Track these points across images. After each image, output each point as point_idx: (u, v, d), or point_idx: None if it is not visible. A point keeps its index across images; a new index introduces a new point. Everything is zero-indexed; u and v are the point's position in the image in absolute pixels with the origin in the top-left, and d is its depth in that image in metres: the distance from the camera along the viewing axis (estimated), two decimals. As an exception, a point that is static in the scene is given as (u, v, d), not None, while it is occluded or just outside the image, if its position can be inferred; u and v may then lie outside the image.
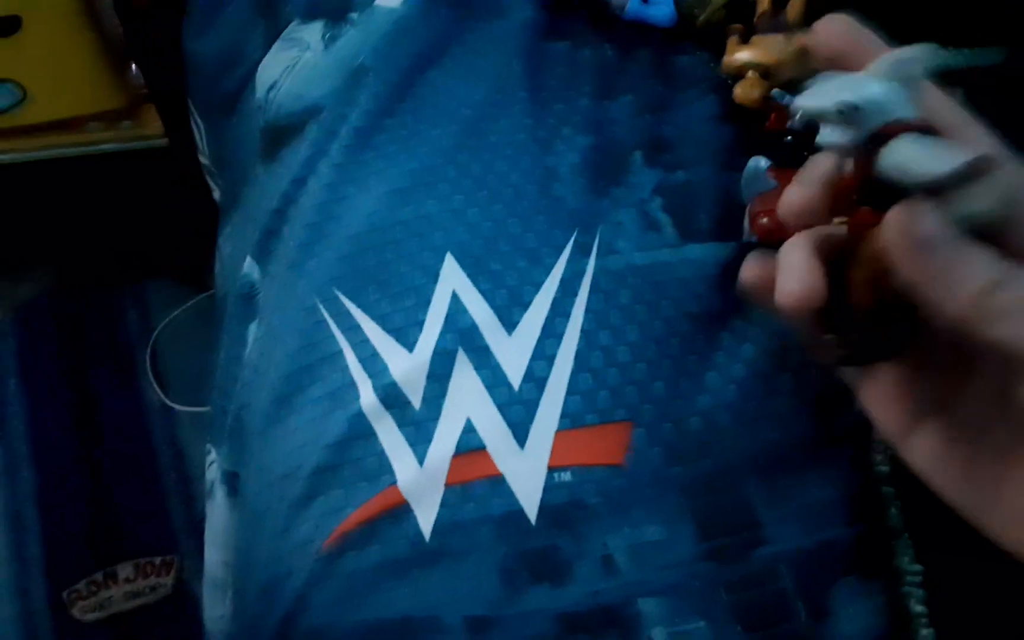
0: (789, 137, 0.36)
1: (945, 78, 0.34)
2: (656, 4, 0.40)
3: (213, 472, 0.48)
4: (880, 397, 0.25)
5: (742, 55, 0.37)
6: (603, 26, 0.41)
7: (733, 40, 0.38)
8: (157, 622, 0.96)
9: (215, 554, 0.47)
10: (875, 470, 0.31)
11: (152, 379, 1.08)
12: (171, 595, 0.97)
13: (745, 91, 0.37)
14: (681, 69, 0.40)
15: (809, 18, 0.37)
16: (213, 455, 0.48)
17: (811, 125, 0.22)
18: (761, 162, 0.35)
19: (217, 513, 0.46)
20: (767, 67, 0.36)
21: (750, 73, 0.37)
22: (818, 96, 0.22)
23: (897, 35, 0.36)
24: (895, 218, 0.21)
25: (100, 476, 1.03)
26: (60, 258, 1.12)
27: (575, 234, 0.36)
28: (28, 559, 0.96)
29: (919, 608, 0.28)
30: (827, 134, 0.22)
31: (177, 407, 1.07)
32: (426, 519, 0.34)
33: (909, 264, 0.21)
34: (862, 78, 0.22)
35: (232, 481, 0.44)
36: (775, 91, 0.36)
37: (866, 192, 0.22)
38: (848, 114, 0.22)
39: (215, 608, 0.48)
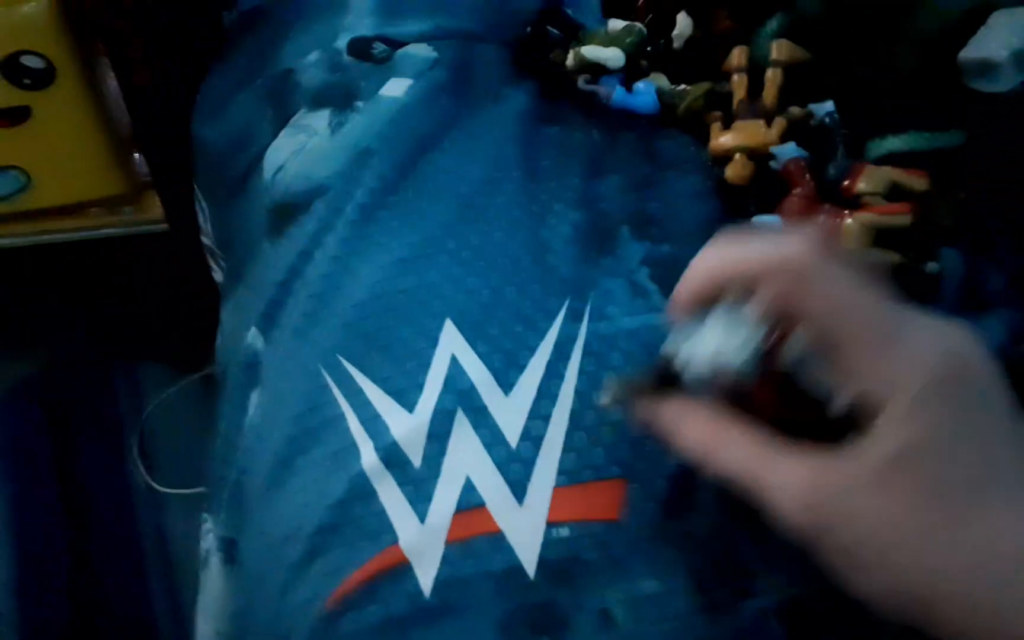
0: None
1: (914, 159, 0.37)
2: (640, 94, 0.43)
3: (209, 541, 0.48)
4: None
5: (727, 139, 0.40)
6: (592, 113, 0.44)
7: (716, 126, 0.41)
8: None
9: (207, 624, 0.47)
10: None
11: (139, 461, 1.08)
12: (151, 685, 0.94)
13: (736, 171, 0.39)
14: (664, 151, 0.42)
15: (783, 102, 0.40)
16: (209, 524, 0.48)
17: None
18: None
19: (211, 582, 0.47)
20: (752, 149, 0.39)
21: (737, 155, 0.39)
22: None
23: (870, 117, 0.40)
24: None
25: (83, 561, 1.01)
26: (55, 339, 1.13)
27: (568, 301, 0.38)
28: (4, 650, 0.93)
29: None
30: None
31: (164, 490, 1.06)
32: (427, 576, 0.34)
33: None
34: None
35: (229, 548, 0.44)
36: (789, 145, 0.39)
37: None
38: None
39: (206, 681, 0.48)
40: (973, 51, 0.38)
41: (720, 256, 0.29)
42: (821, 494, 0.26)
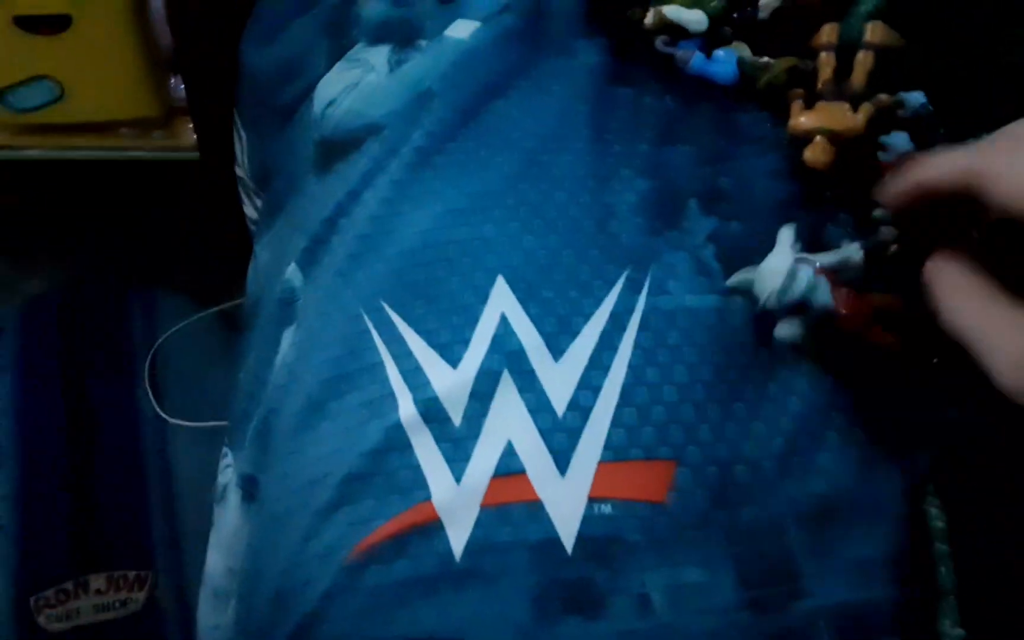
0: None
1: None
2: (719, 62, 0.41)
3: (227, 476, 0.47)
4: None
5: (807, 120, 0.38)
6: (666, 77, 0.42)
7: (797, 105, 0.39)
8: (124, 638, 0.93)
9: (219, 560, 0.46)
10: (930, 525, 0.31)
11: (148, 389, 1.07)
12: (141, 611, 0.94)
13: (815, 155, 0.37)
14: (741, 125, 0.40)
15: (872, 87, 0.38)
16: (229, 458, 0.47)
17: None
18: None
19: (228, 518, 0.46)
20: (834, 133, 0.37)
21: (818, 138, 0.37)
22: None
23: (964, 112, 0.38)
24: None
25: (85, 481, 1.01)
26: (75, 257, 1.12)
27: (628, 271, 0.36)
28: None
29: (957, 678, 0.28)
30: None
31: (171, 420, 1.05)
32: (458, 538, 0.33)
33: None
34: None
35: (249, 485, 0.43)
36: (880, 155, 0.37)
37: None
38: None
39: (212, 617, 0.47)
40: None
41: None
42: None
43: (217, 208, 0.82)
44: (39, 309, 1.10)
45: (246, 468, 0.44)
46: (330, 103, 0.48)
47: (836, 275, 0.34)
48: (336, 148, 0.46)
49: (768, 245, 0.37)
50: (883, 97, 0.38)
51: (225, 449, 0.48)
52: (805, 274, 0.33)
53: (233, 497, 0.45)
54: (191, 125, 0.93)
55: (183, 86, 0.90)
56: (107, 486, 1.04)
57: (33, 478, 1.01)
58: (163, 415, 1.07)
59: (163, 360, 1.10)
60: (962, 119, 0.37)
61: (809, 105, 0.39)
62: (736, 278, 0.35)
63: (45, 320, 1.10)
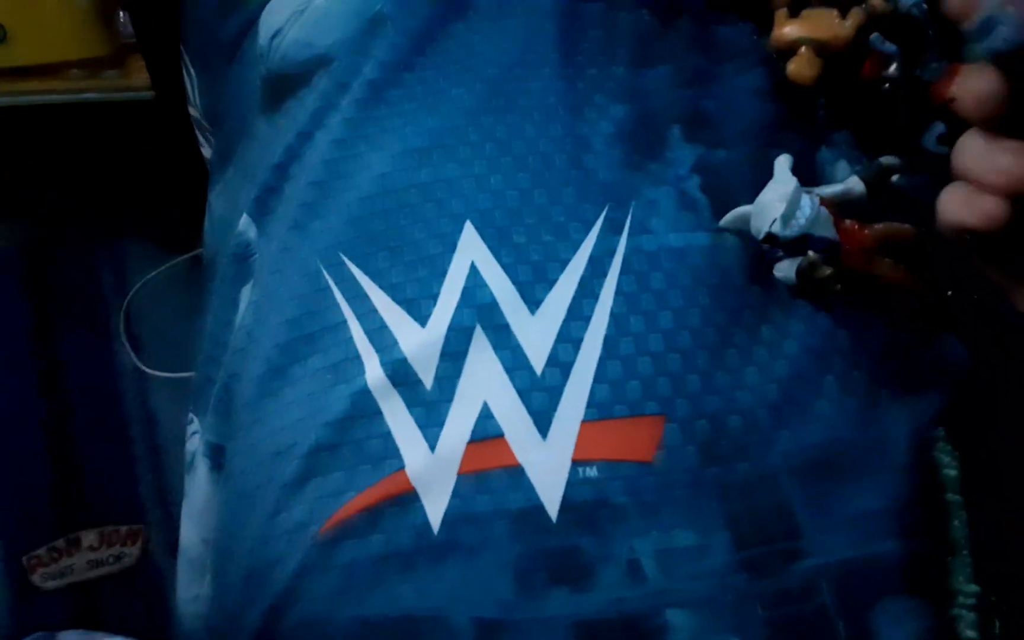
0: (886, 85, 0.34)
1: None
2: (699, -31, 0.37)
3: (195, 444, 0.45)
4: None
5: (792, 30, 0.35)
6: (641, -12, 0.38)
7: (782, 13, 0.35)
8: (120, 592, 0.93)
9: (193, 531, 0.44)
10: (941, 474, 0.29)
11: (125, 341, 1.04)
12: (136, 566, 0.94)
13: (800, 68, 0.34)
14: (723, 40, 0.37)
15: (865, -8, 0.35)
16: (196, 425, 0.45)
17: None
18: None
19: (198, 487, 0.43)
20: (821, 43, 0.34)
21: (803, 49, 0.34)
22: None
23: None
24: None
25: (67, 439, 0.99)
26: (35, 210, 1.08)
27: (606, 209, 0.34)
28: (-13, 522, 0.92)
29: (970, 634, 0.26)
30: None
31: (150, 372, 1.03)
32: (435, 509, 0.31)
33: None
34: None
35: (216, 455, 0.41)
36: (873, 36, 0.34)
37: None
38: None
39: (190, 588, 0.45)
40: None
41: None
42: None
43: (178, 149, 0.78)
44: (3, 266, 1.07)
45: (212, 436, 0.41)
46: (276, 34, 0.44)
47: (838, 208, 0.31)
48: (284, 84, 0.42)
49: (758, 173, 0.34)
50: (876, 2, 0.34)
51: (191, 415, 0.46)
52: (808, 202, 0.31)
53: (201, 466, 0.43)
54: (144, 63, 0.89)
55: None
56: (90, 442, 1.02)
57: (13, 438, 0.99)
58: (142, 367, 1.04)
59: (137, 312, 1.07)
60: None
61: (795, 13, 0.35)
62: (729, 217, 0.33)
63: (9, 280, 1.06)
